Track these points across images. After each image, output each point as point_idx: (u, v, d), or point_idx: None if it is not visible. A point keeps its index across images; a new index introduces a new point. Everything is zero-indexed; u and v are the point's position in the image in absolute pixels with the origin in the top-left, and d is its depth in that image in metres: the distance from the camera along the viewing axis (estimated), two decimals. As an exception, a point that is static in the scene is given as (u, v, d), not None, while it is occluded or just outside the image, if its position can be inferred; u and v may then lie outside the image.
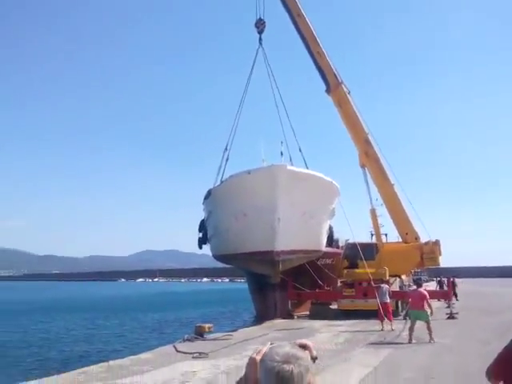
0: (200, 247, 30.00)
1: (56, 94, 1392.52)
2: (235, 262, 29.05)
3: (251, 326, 24.40)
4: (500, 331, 18.05)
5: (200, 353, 13.84)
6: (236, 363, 12.46)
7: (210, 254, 30.60)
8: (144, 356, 14.26)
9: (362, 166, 28.33)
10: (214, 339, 16.92)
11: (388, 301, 20.49)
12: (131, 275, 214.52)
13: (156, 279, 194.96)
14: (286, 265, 25.08)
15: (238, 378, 1.92)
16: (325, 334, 18.14)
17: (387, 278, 24.42)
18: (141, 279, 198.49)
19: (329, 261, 29.89)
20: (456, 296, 35.88)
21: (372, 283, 23.02)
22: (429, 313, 16.25)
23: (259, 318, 26.40)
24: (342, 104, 28.62)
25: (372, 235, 46.26)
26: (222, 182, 27.00)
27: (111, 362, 13.23)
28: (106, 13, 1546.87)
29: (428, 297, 16.56)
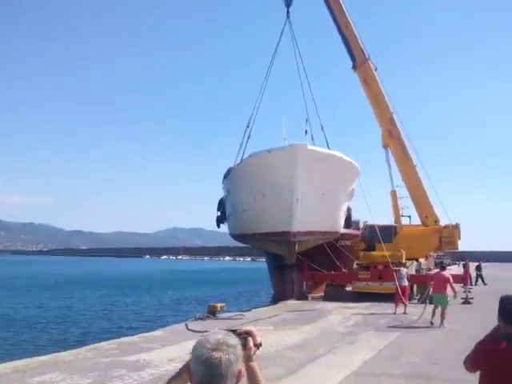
0: (218, 226, 30.21)
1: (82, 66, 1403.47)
2: (252, 241, 29.20)
3: (266, 306, 24.65)
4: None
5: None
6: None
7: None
8: (155, 334, 14.55)
9: (385, 146, 27.93)
10: (226, 318, 17.12)
11: (406, 284, 20.42)
12: (156, 252, 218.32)
13: (180, 257, 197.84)
14: (302, 246, 25.07)
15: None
16: (336, 316, 18.16)
17: (404, 261, 24.23)
18: (165, 256, 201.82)
19: (347, 242, 29.77)
20: (483, 280, 35.37)
21: (390, 266, 22.90)
22: (451, 296, 16.28)
23: (277, 299, 26.43)
24: (368, 81, 28.11)
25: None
26: (242, 160, 26.94)
27: (123, 339, 13.57)
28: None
29: (451, 280, 16.47)
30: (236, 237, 29.49)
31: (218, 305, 18.01)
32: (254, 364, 2.04)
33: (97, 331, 20.49)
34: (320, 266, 26.75)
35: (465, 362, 3.83)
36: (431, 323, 15.70)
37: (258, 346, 2.04)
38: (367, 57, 28.01)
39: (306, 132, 29.02)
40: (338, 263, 27.30)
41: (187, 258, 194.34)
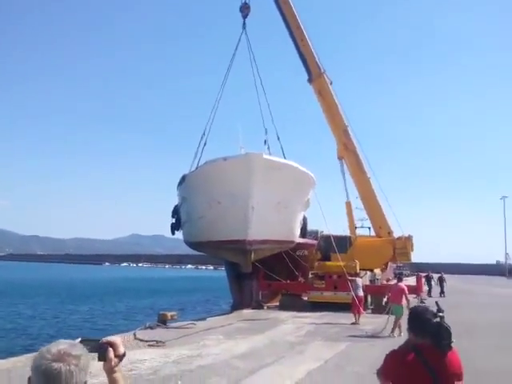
0: (173, 233, 29.85)
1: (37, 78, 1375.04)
2: (207, 249, 28.92)
3: (223, 314, 24.44)
4: (466, 329, 18.26)
5: (157, 341, 13.80)
6: (190, 353, 12.46)
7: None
8: (101, 342, 14.18)
9: (340, 158, 28.37)
10: (177, 327, 16.89)
11: (361, 294, 20.66)
12: (116, 259, 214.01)
13: (141, 264, 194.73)
14: (258, 254, 25.03)
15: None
16: (289, 326, 18.17)
17: (358, 271, 24.49)
18: (125, 263, 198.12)
19: (305, 252, 29.92)
20: (444, 293, 35.83)
21: (346, 276, 23.09)
22: (405, 307, 16.55)
23: (236, 307, 26.35)
24: (323, 94, 28.54)
25: (355, 228, 46.43)
26: (197, 167, 26.76)
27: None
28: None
29: (406, 291, 16.90)
30: (191, 244, 29.16)
31: (169, 313, 17.77)
32: (118, 375, 1.98)
33: (45, 339, 19.84)
34: (278, 276, 26.80)
35: (377, 374, 3.80)
36: (399, 334, 15.79)
37: (120, 356, 1.98)
38: (322, 70, 28.47)
39: (265, 142, 29.08)
40: (296, 272, 27.43)
41: (148, 265, 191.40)
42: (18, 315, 28.33)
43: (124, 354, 2.01)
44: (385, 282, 30.78)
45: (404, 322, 16.02)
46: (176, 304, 36.66)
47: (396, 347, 3.78)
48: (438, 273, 42.51)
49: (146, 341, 13.98)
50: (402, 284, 17.54)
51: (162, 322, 17.31)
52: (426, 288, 37.13)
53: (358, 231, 43.97)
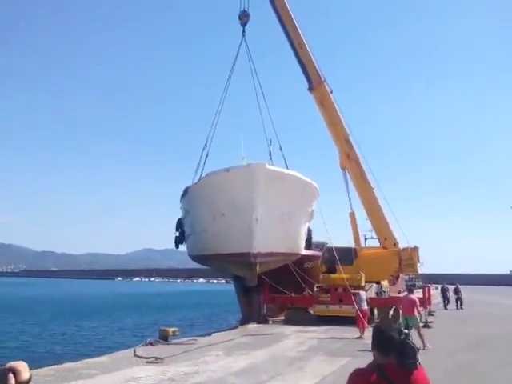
0: (177, 247, 29.73)
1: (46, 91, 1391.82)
2: (212, 262, 28.75)
3: (227, 330, 24.29)
4: (471, 342, 17.99)
5: (156, 358, 13.73)
6: (187, 369, 12.37)
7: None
8: (100, 359, 14.14)
9: (343, 168, 28.21)
10: (178, 343, 16.79)
11: (366, 307, 20.36)
12: (128, 274, 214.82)
13: (152, 279, 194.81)
14: (263, 267, 24.84)
15: None
16: (291, 341, 17.98)
17: (363, 283, 24.23)
18: (137, 278, 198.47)
19: (311, 264, 29.69)
20: (461, 304, 34.93)
21: (348, 289, 22.88)
22: (418, 319, 16.58)
23: (244, 322, 26.19)
24: (324, 103, 28.48)
25: (366, 239, 45.98)
26: (200, 179, 26.67)
27: (66, 365, 13.13)
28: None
29: (418, 303, 16.99)
30: (195, 258, 29.01)
31: (171, 329, 17.63)
32: None
33: (49, 356, 19.83)
34: (286, 289, 26.59)
35: None
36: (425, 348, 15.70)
37: (23, 383, 1.92)
38: (323, 79, 28.39)
39: (270, 153, 28.98)
40: (304, 286, 27.17)
41: (160, 279, 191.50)
42: (24, 332, 28.36)
43: (29, 380, 1.95)
44: (393, 295, 30.38)
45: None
46: (185, 319, 36.60)
47: (362, 365, 3.69)
48: (451, 284, 41.32)
49: (145, 357, 13.92)
50: (413, 296, 17.49)
51: (164, 338, 17.21)
52: (436, 301, 36.53)
53: (369, 242, 43.74)
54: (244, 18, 28.79)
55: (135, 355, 14.43)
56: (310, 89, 28.78)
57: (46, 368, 12.44)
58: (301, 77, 29.32)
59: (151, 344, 16.49)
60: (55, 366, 12.82)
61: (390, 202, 27.84)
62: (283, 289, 26.24)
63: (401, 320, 17.12)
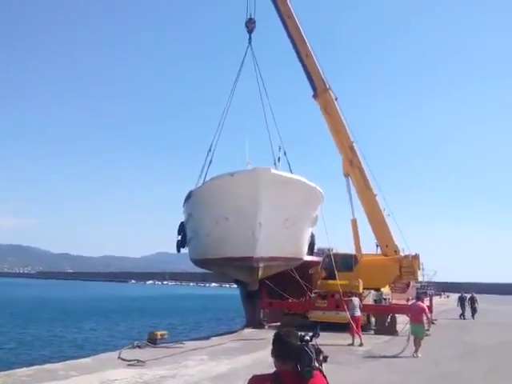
0: (178, 250, 29.69)
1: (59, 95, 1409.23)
2: (213, 267, 28.67)
3: (225, 334, 24.21)
4: (465, 351, 17.72)
5: (138, 360, 13.70)
6: (165, 373, 12.32)
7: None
8: (83, 361, 14.16)
9: (346, 175, 28.07)
10: (165, 347, 16.76)
11: (358, 314, 20.14)
12: (141, 277, 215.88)
13: (165, 282, 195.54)
14: (265, 272, 24.73)
15: None
16: (280, 346, 17.82)
17: (361, 290, 24.00)
18: (150, 281, 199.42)
19: (312, 270, 29.46)
20: (474, 313, 34.24)
21: (341, 295, 22.68)
22: (426, 327, 16.75)
23: (248, 326, 26.11)
24: (329, 110, 28.40)
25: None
26: (203, 183, 26.64)
27: (45, 366, 13.18)
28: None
29: (427, 310, 17.15)
30: (196, 262, 28.96)
31: (159, 332, 17.66)
32: None
33: (38, 357, 19.90)
34: (290, 295, 26.44)
35: None
36: (414, 354, 15.83)
37: None
38: (328, 86, 28.29)
39: (279, 159, 28.84)
40: (307, 291, 26.99)
41: (173, 283, 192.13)
42: (23, 333, 28.65)
43: None
44: (398, 302, 29.99)
45: (404, 343, 15.93)
46: (188, 323, 36.67)
47: (261, 372, 3.59)
48: (466, 293, 40.22)
49: (128, 360, 13.90)
50: (422, 303, 17.47)
51: (152, 341, 17.20)
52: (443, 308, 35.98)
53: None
54: (250, 25, 28.83)
55: (119, 357, 14.42)
56: (315, 96, 28.75)
57: (24, 369, 12.49)
58: (306, 84, 29.30)
59: (139, 347, 16.47)
60: (35, 367, 12.88)
61: (401, 209, 27.61)
62: (287, 294, 26.10)
63: (408, 327, 17.04)
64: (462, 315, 34.31)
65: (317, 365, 3.64)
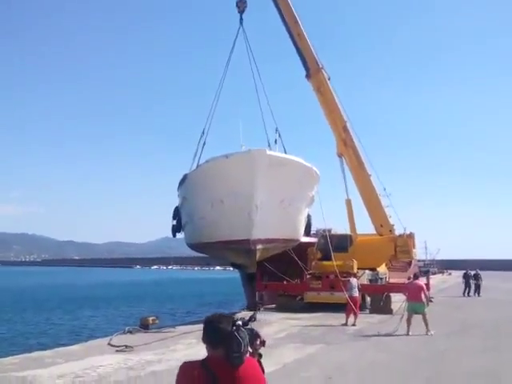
0: (174, 235, 29.61)
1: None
2: (210, 250, 28.52)
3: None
4: (457, 329, 17.74)
5: (126, 346, 13.71)
6: (152, 358, 12.33)
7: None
8: (72, 348, 14.20)
9: (340, 155, 27.85)
10: (156, 332, 16.80)
11: (356, 295, 20.15)
12: (146, 262, 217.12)
13: (170, 267, 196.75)
14: (262, 254, 24.66)
15: None
16: (273, 328, 17.85)
17: (355, 270, 23.97)
18: (155, 266, 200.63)
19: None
20: (479, 292, 34.08)
21: (338, 276, 22.68)
22: (425, 304, 16.65)
23: (248, 309, 26.14)
24: (322, 90, 28.06)
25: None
26: (198, 166, 26.42)
27: (33, 354, 13.21)
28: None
29: (425, 288, 17.29)
30: (192, 246, 28.86)
31: (150, 318, 17.68)
32: None
33: (34, 344, 19.98)
34: (290, 277, 26.44)
35: None
36: (407, 333, 15.91)
37: None
38: (320, 66, 27.93)
39: (275, 141, 28.52)
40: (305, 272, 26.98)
41: (178, 267, 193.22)
42: (22, 321, 28.90)
43: None
44: (396, 281, 29.94)
45: (394, 323, 15.95)
46: (189, 307, 36.82)
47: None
48: (468, 269, 39.85)
49: (116, 346, 13.93)
50: (420, 281, 17.55)
51: (144, 326, 17.24)
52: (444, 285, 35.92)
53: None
54: (241, 5, 28.36)
55: (108, 344, 14.45)
56: (308, 76, 28.41)
57: (11, 357, 12.53)
58: (298, 64, 28.95)
59: (130, 332, 16.51)
60: (23, 355, 12.91)
61: (407, 190, 27.48)
62: (287, 276, 26.07)
63: (405, 305, 17.06)
64: (467, 293, 34.25)
65: (251, 350, 3.59)
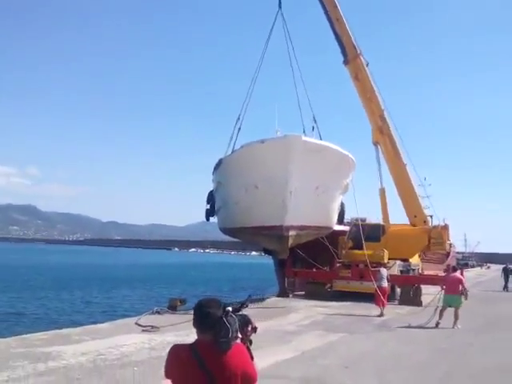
0: (207, 219, 29.87)
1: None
2: (242, 235, 28.73)
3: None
4: (484, 323, 17.40)
5: (152, 326, 14.04)
6: (175, 339, 12.52)
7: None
8: (99, 326, 14.61)
9: (375, 144, 27.46)
10: (184, 313, 17.09)
11: (385, 285, 19.97)
12: (185, 245, 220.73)
13: (207, 250, 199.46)
14: (294, 240, 24.65)
15: None
16: (299, 315, 17.91)
17: (385, 260, 23.72)
18: (193, 249, 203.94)
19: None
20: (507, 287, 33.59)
21: (369, 265, 22.49)
22: (463, 298, 16.43)
23: (280, 295, 26.35)
24: (360, 77, 27.64)
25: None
26: (233, 151, 26.50)
27: (62, 331, 13.63)
28: None
29: (464, 281, 16.94)
30: (225, 230, 29.06)
31: (179, 299, 18.03)
32: None
33: (65, 321, 20.77)
34: (322, 264, 26.44)
35: (165, 372, 3.61)
36: (437, 324, 15.84)
37: None
38: (359, 52, 27.45)
39: (312, 128, 28.27)
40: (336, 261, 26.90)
41: (215, 251, 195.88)
42: (56, 299, 29.99)
43: None
44: (431, 273, 29.50)
45: (429, 313, 15.79)
46: (222, 290, 37.29)
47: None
48: (508, 263, 38.66)
49: (143, 326, 14.28)
50: (458, 274, 17.26)
51: (172, 307, 17.60)
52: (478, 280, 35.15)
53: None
54: None
55: (136, 323, 14.82)
56: (345, 62, 28.01)
57: (40, 333, 12.99)
58: (336, 49, 28.53)
59: (158, 313, 16.86)
60: (53, 331, 13.37)
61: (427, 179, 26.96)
62: (318, 263, 26.07)
63: (440, 297, 16.87)
64: (506, 287, 33.43)
65: (240, 336, 3.64)
